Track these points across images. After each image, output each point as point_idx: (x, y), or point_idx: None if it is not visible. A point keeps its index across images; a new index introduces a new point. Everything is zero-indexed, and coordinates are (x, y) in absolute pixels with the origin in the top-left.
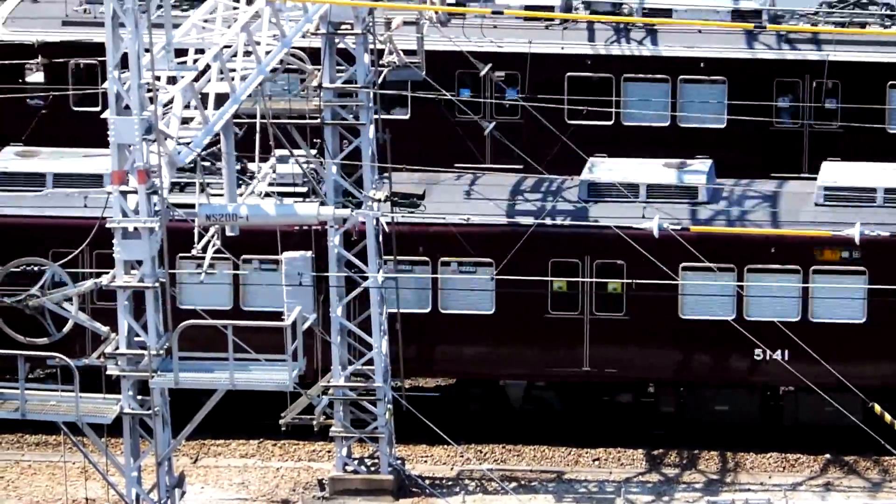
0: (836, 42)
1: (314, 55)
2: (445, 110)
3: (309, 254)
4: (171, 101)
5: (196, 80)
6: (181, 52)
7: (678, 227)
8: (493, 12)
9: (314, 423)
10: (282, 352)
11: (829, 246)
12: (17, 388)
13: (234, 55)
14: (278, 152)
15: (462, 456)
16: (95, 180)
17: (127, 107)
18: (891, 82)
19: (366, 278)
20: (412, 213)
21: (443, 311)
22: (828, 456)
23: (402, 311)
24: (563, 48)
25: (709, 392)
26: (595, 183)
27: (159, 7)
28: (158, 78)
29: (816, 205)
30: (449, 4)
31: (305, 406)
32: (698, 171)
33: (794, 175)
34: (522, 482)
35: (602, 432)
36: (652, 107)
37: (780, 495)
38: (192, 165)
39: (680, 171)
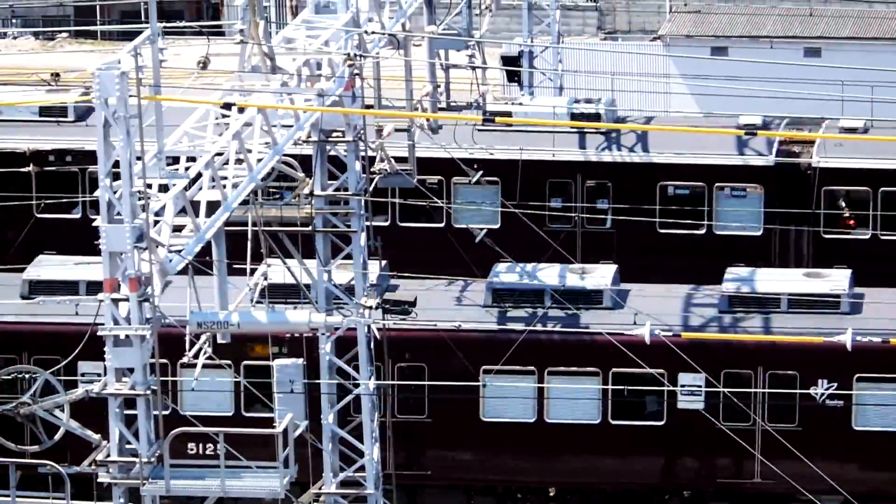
0: None
1: (305, 162)
2: None
3: (301, 361)
4: (162, 209)
5: (187, 187)
6: (173, 160)
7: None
8: (485, 120)
9: None
10: None
11: None
12: (7, 497)
13: (226, 163)
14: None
15: None
16: None
17: (118, 214)
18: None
19: (357, 385)
20: (403, 319)
21: None
22: None
23: None
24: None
25: None
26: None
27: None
28: (150, 185)
29: None
30: (440, 110)
31: None
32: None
33: None
34: None
35: None
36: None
37: None
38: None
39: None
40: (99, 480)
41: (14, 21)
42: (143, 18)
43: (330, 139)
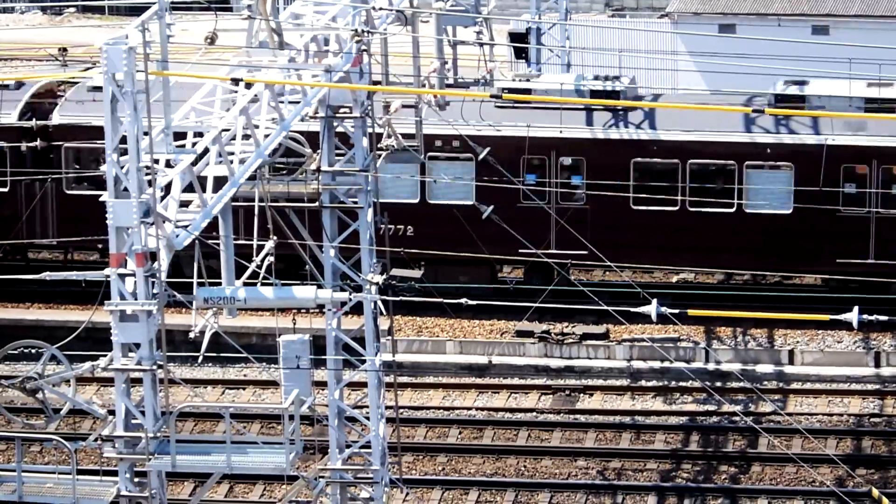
0: None
1: (313, 138)
2: None
3: (307, 337)
4: (169, 184)
5: (194, 163)
6: (180, 135)
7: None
8: (492, 96)
9: None
10: None
11: None
12: (13, 471)
13: (233, 138)
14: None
15: None
16: None
17: (125, 189)
18: None
19: (363, 361)
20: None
21: None
22: None
23: None
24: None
25: None
26: None
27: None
28: (157, 161)
29: None
30: (448, 87)
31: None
32: None
33: None
34: None
35: None
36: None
37: None
38: None
39: None
40: (104, 456)
41: None
42: None
43: (337, 115)
